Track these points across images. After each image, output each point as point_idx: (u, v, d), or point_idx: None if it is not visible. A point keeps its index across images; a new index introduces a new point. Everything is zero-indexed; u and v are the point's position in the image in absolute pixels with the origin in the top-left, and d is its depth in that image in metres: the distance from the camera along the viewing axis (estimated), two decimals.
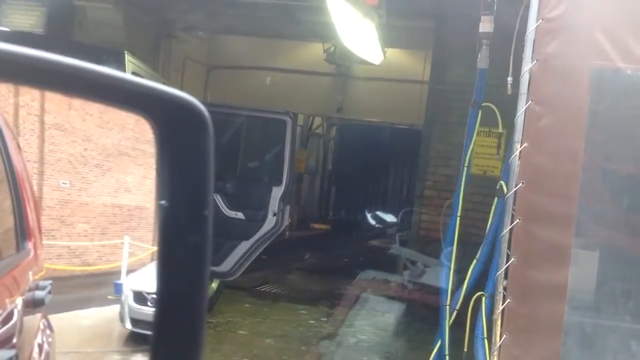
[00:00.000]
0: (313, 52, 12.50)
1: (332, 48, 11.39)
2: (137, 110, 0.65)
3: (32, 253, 0.90)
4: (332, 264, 11.18)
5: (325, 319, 7.52)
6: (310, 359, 5.82)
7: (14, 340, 0.84)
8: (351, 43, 8.95)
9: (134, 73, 5.92)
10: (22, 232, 0.87)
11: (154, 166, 0.70)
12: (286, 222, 8.09)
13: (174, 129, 0.66)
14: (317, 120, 16.57)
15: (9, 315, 0.85)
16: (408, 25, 9.80)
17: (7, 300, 0.86)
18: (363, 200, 16.69)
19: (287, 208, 7.95)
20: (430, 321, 5.74)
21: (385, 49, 10.30)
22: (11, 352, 0.78)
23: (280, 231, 7.90)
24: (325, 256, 11.75)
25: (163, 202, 0.67)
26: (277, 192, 7.84)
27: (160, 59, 11.62)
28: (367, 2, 8.59)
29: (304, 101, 13.06)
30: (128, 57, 5.73)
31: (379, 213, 12.66)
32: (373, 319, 7.53)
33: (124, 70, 5.55)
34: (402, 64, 12.25)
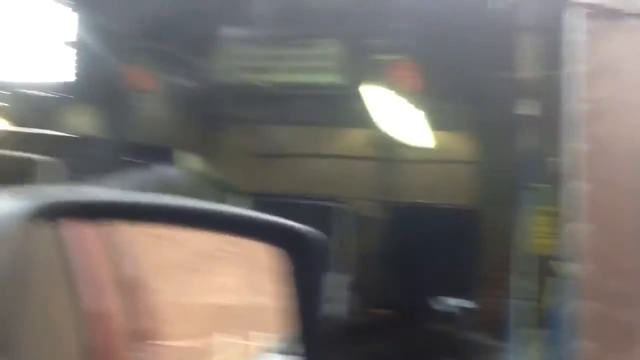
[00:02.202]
0: (357, 138, 12.75)
1: (376, 134, 11.62)
2: (267, 241, 0.76)
3: (151, 353, 0.98)
4: (395, 351, 10.97)
5: None
6: None
7: None
8: (395, 130, 9.14)
9: (192, 169, 6.17)
10: (140, 335, 0.95)
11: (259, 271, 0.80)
12: (350, 310, 8.00)
13: (297, 252, 0.76)
14: (369, 205, 16.63)
15: None
16: (450, 108, 9.99)
17: None
18: (425, 284, 16.44)
19: (350, 296, 7.91)
20: None
21: (430, 133, 10.47)
22: None
23: (346, 321, 7.81)
24: (389, 344, 11.55)
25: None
26: (338, 282, 7.85)
27: (208, 151, 12.01)
28: (408, 89, 8.82)
29: (350, 186, 13.22)
30: (184, 155, 6.00)
31: (444, 299, 12.48)
32: None
33: (184, 166, 5.85)
34: (447, 145, 12.39)
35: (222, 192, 7.42)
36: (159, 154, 5.84)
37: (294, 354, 0.87)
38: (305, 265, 0.79)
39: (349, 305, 7.97)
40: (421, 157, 12.42)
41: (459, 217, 13.97)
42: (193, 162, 6.37)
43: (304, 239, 0.78)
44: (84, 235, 0.74)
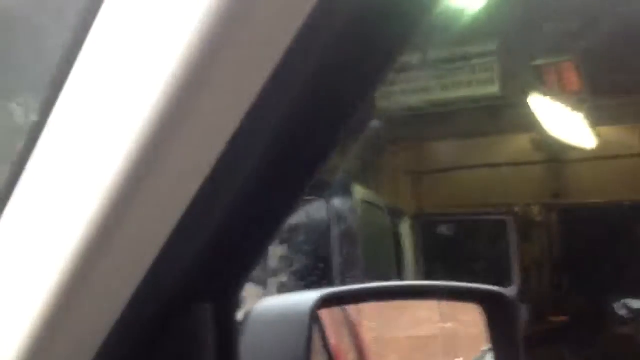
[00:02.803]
0: (519, 143, 12.53)
1: (539, 137, 11.38)
2: (471, 302, 1.03)
3: None
4: (580, 357, 10.56)
5: None
6: None
7: None
8: (557, 133, 8.95)
9: (362, 199, 6.51)
10: None
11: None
12: (525, 317, 7.97)
13: (492, 311, 1.01)
14: (535, 210, 16.17)
15: None
16: (617, 102, 9.58)
17: None
18: (601, 285, 15.67)
19: (524, 306, 7.87)
20: None
21: (596, 129, 10.10)
22: None
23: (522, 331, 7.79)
24: (571, 349, 11.15)
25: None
26: (511, 292, 7.82)
27: (373, 175, 12.37)
28: (568, 89, 8.62)
29: (518, 192, 12.97)
30: (355, 186, 6.36)
31: (627, 300, 11.82)
32: None
33: (353, 197, 6.23)
34: (618, 140, 11.82)
35: (393, 216, 7.69)
36: (333, 186, 6.24)
37: None
38: (497, 315, 1.04)
39: (527, 316, 7.90)
40: (590, 155, 11.94)
41: (632, 214, 13.18)
42: (362, 191, 6.73)
43: (496, 296, 1.03)
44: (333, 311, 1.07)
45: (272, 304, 0.88)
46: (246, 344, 0.82)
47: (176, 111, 0.52)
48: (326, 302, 0.89)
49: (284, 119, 0.57)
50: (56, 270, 0.54)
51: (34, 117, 0.61)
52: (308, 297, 0.84)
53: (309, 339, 0.82)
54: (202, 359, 0.64)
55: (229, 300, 0.65)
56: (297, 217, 5.80)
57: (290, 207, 0.63)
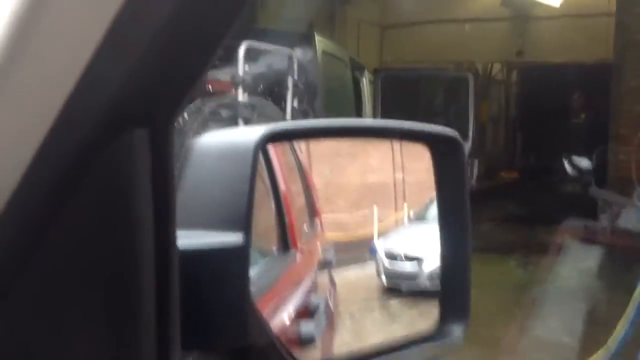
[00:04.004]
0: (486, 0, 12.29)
1: None
2: (420, 142, 1.02)
3: (319, 227, 1.29)
4: (524, 212, 11.08)
5: (526, 268, 7.62)
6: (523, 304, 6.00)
7: (313, 297, 1.24)
8: None
9: (323, 51, 6.38)
10: (312, 212, 1.26)
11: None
12: (475, 174, 8.23)
13: (441, 153, 1.01)
14: (496, 67, 16.22)
15: (313, 277, 1.25)
16: None
17: (311, 266, 1.27)
18: (551, 144, 16.15)
19: (475, 161, 8.09)
20: (631, 266, 5.67)
21: None
22: (316, 303, 1.17)
23: (472, 185, 8.07)
24: (516, 205, 11.67)
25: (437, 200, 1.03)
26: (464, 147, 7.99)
27: (336, 26, 12.10)
28: None
29: (481, 49, 12.90)
30: (317, 38, 6.20)
31: (569, 156, 12.21)
32: (573, 265, 7.50)
33: (315, 48, 6.10)
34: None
35: (354, 69, 7.60)
36: (295, 38, 6.08)
37: (438, 223, 1.14)
38: (445, 157, 1.03)
39: (476, 170, 8.15)
40: (557, 12, 11.81)
41: (592, 74, 13.32)
42: (325, 42, 6.58)
43: (443, 136, 1.02)
44: (283, 148, 1.04)
45: (216, 137, 0.85)
46: (187, 176, 0.80)
47: None
48: (273, 137, 0.86)
49: None
50: None
51: None
52: (254, 131, 0.81)
53: (254, 173, 0.81)
54: (136, 188, 0.61)
55: (166, 125, 0.62)
56: (259, 66, 5.70)
57: (228, 23, 0.58)
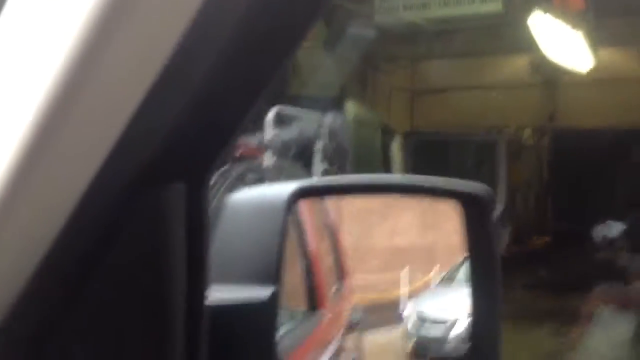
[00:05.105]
0: (517, 65, 12.38)
1: (537, 59, 11.24)
2: (450, 199, 1.03)
3: (348, 287, 1.29)
4: (556, 278, 10.86)
5: (558, 336, 7.41)
6: None
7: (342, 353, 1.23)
8: (556, 54, 8.82)
9: (354, 116, 6.49)
10: (341, 271, 1.26)
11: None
12: (507, 239, 8.13)
13: (471, 210, 1.02)
14: (527, 132, 16.18)
15: (340, 339, 1.24)
16: (618, 22, 9.42)
17: (338, 327, 1.26)
18: (584, 209, 15.89)
19: (508, 226, 8.00)
20: None
21: (596, 51, 9.97)
22: None
23: (503, 250, 7.97)
24: (548, 271, 11.45)
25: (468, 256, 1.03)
26: (495, 212, 7.94)
27: (368, 92, 12.27)
28: (572, 9, 8.44)
29: (512, 114, 12.93)
30: (349, 103, 6.32)
31: (602, 221, 12.03)
32: (604, 333, 7.27)
33: (346, 113, 6.20)
34: (615, 63, 11.68)
35: (384, 134, 7.68)
36: (327, 103, 6.21)
37: (469, 285, 1.13)
38: (476, 214, 1.04)
39: (508, 235, 8.06)
40: (588, 77, 11.83)
41: (625, 139, 13.19)
42: (356, 108, 6.69)
43: (474, 193, 1.03)
44: (314, 207, 1.06)
45: (249, 193, 0.87)
46: (220, 231, 0.82)
47: None
48: (304, 193, 0.89)
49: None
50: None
51: None
52: (285, 188, 0.83)
53: (284, 229, 0.83)
54: (171, 241, 0.64)
55: (202, 181, 0.64)
56: (289, 131, 5.81)
57: (264, 84, 0.61)
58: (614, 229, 10.99)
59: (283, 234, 0.81)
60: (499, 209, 8.03)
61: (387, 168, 7.74)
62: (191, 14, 0.52)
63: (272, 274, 0.82)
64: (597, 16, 8.60)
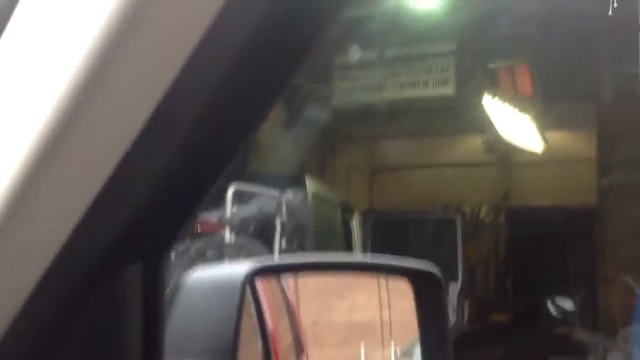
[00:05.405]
0: (472, 144, 12.76)
1: (491, 139, 11.62)
2: (402, 277, 1.06)
3: None
4: (513, 355, 10.84)
5: None
6: None
7: None
8: (509, 134, 9.14)
9: (314, 194, 6.55)
10: (299, 349, 1.26)
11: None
12: (466, 317, 8.15)
13: (421, 288, 1.05)
14: (484, 210, 16.47)
15: None
16: (566, 107, 9.85)
17: None
18: (541, 286, 16.07)
19: (466, 303, 8.05)
20: None
21: (544, 134, 10.36)
22: None
23: (462, 327, 7.98)
24: (507, 347, 11.45)
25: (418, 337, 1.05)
26: (454, 289, 7.99)
27: (327, 170, 12.44)
28: (520, 95, 8.82)
29: (468, 192, 13.20)
30: (308, 180, 6.39)
31: (558, 300, 12.25)
32: None
33: (306, 190, 6.27)
34: (566, 145, 12.14)
35: (344, 211, 7.74)
36: (286, 180, 6.27)
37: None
38: (426, 291, 1.07)
39: (467, 312, 8.10)
40: (539, 158, 12.23)
41: (576, 217, 13.54)
42: (315, 185, 6.77)
43: (423, 271, 1.07)
44: (271, 285, 1.08)
45: (207, 272, 0.89)
46: (179, 309, 0.83)
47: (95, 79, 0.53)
48: (261, 271, 0.91)
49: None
50: None
51: None
52: (241, 267, 0.85)
53: (241, 307, 0.84)
54: (127, 321, 0.65)
55: (159, 259, 0.66)
56: (248, 208, 5.82)
57: (225, 163, 0.64)
58: (565, 305, 11.17)
59: (239, 312, 0.83)
60: (457, 286, 8.09)
61: (348, 245, 7.78)
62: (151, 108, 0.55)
63: (228, 352, 0.83)
64: (545, 100, 9.00)
